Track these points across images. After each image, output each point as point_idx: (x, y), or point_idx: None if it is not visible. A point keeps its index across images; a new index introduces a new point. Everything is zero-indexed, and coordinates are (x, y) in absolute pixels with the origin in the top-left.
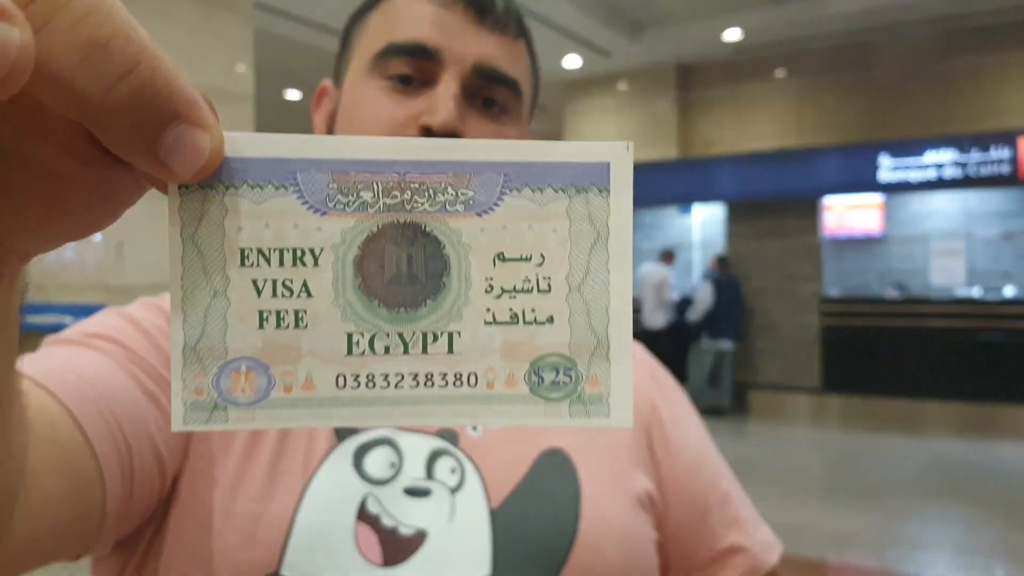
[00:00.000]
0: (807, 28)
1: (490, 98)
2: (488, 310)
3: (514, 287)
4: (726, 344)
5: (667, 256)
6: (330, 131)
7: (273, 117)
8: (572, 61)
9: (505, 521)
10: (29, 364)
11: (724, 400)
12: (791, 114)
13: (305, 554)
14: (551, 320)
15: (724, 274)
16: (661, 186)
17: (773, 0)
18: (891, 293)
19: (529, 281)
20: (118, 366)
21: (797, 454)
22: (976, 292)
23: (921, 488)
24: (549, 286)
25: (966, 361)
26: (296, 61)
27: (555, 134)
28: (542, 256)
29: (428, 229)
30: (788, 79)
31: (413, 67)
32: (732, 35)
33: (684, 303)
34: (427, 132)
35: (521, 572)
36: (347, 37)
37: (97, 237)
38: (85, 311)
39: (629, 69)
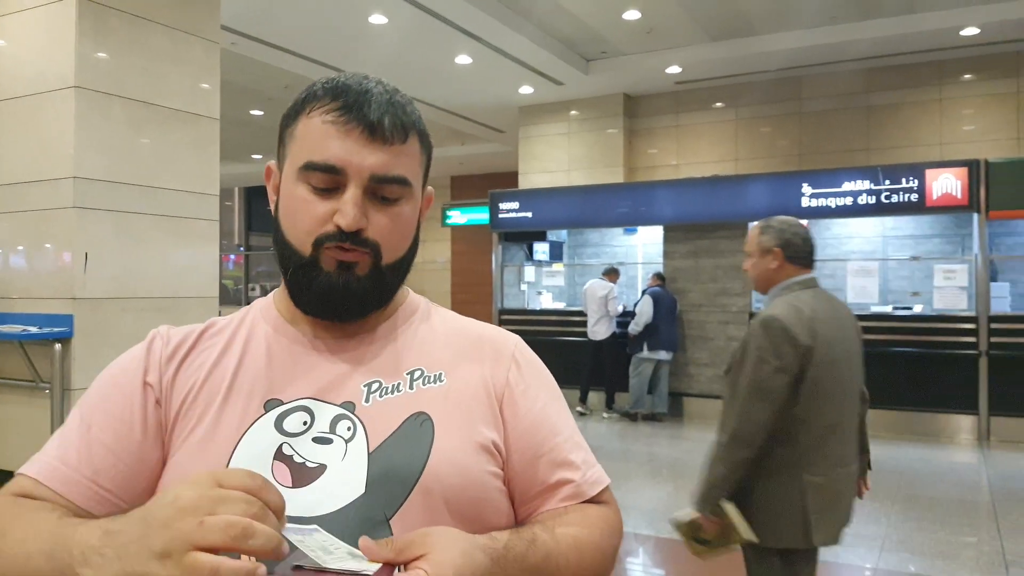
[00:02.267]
0: (743, 64)
1: (385, 196)
2: None
3: None
4: (663, 355)
5: (611, 273)
6: (276, 200)
7: (239, 133)
8: (528, 89)
9: (377, 458)
10: (43, 457)
11: (661, 407)
12: (728, 142)
13: None
14: None
15: (663, 290)
16: (608, 207)
17: (712, 38)
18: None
19: None
20: (94, 441)
21: None
22: (889, 309)
23: None
24: None
25: (879, 371)
26: (259, 80)
27: (511, 155)
28: None
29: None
30: (726, 110)
31: (326, 180)
32: (674, 69)
33: (627, 316)
34: (339, 229)
35: (384, 490)
36: (283, 132)
37: (65, 252)
38: (50, 320)
39: (580, 98)
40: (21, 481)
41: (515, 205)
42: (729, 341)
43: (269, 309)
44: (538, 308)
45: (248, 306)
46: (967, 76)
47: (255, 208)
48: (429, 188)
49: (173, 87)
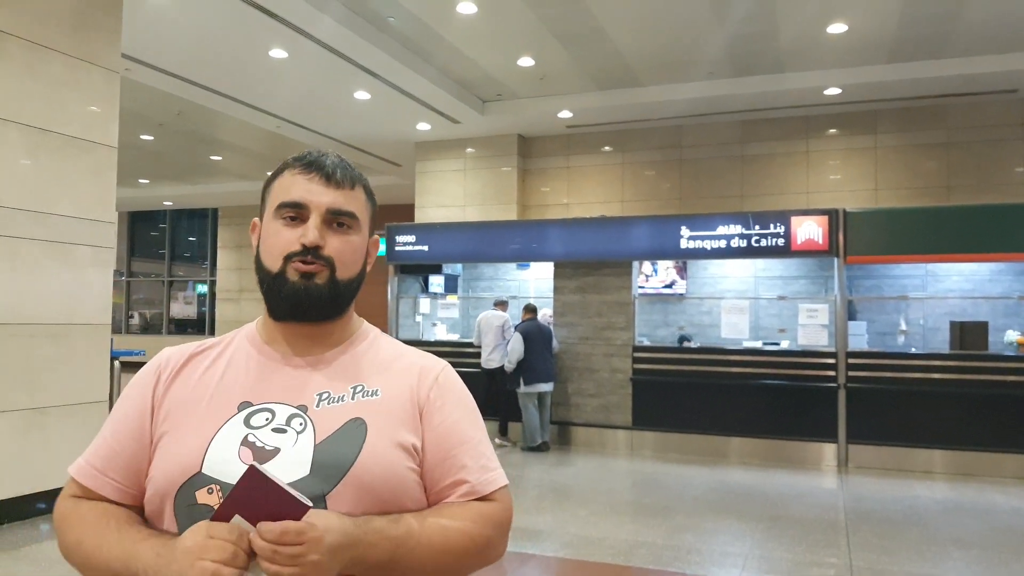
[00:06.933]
0: (629, 112)
1: (340, 223)
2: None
3: None
4: (543, 387)
5: (502, 304)
6: (258, 246)
7: (127, 158)
8: (425, 126)
9: (321, 449)
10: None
11: (544, 436)
12: (615, 185)
13: (214, 462)
14: None
15: (533, 323)
16: (502, 243)
17: (600, 87)
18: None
19: None
20: (114, 443)
21: (607, 481)
22: (758, 344)
23: (702, 507)
24: None
25: (750, 402)
26: (151, 106)
27: (408, 187)
28: None
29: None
30: (613, 154)
31: (295, 213)
32: (566, 114)
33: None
34: (303, 246)
35: (324, 474)
36: (264, 194)
37: None
38: None
39: (476, 136)
40: (71, 485)
41: (412, 238)
42: (613, 373)
43: (253, 333)
44: (432, 339)
45: (237, 329)
46: (831, 131)
47: (139, 233)
48: (375, 236)
49: (71, 114)
